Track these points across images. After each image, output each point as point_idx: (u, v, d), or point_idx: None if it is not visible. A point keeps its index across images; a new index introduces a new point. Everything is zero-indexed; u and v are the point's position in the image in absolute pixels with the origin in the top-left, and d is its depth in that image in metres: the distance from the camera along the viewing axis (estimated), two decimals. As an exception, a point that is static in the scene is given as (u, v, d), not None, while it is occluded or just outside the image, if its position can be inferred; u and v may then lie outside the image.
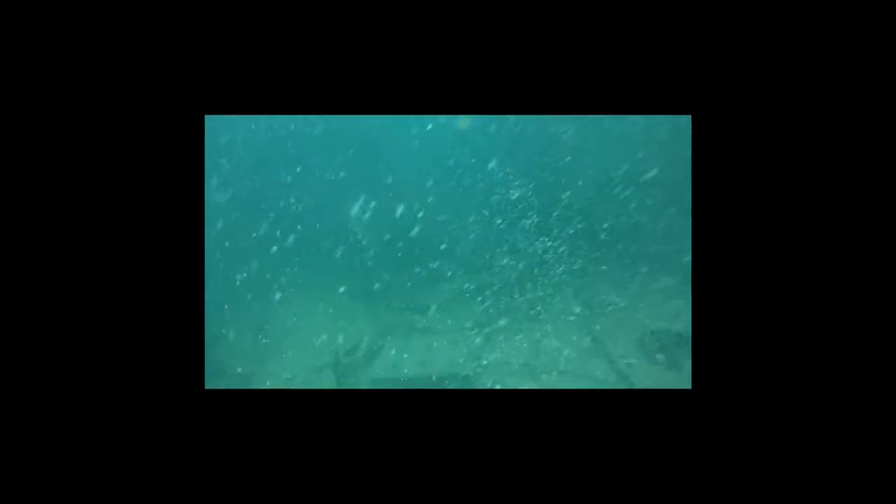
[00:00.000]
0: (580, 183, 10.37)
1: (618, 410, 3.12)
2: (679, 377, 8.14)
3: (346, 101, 3.16)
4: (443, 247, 10.71)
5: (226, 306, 9.89)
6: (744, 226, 2.98)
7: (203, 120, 3.08)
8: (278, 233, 10.52)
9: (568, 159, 10.33)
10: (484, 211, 10.52)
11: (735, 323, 2.95)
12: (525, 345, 9.22)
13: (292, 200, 10.90)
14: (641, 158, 10.12)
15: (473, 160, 10.52)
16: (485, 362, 8.90)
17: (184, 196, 2.92)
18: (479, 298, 10.31)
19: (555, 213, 10.08)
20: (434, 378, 8.65)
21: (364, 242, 10.99)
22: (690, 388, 3.09)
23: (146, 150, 2.90)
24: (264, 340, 10.00)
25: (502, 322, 9.75)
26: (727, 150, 3.00)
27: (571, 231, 9.95)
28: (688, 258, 9.01)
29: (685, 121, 8.91)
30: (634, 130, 9.98)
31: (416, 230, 10.69)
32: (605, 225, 10.34)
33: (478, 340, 9.45)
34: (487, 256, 10.43)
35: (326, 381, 9.17)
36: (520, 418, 3.18)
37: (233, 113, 3.17)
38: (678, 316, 9.03)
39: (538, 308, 9.81)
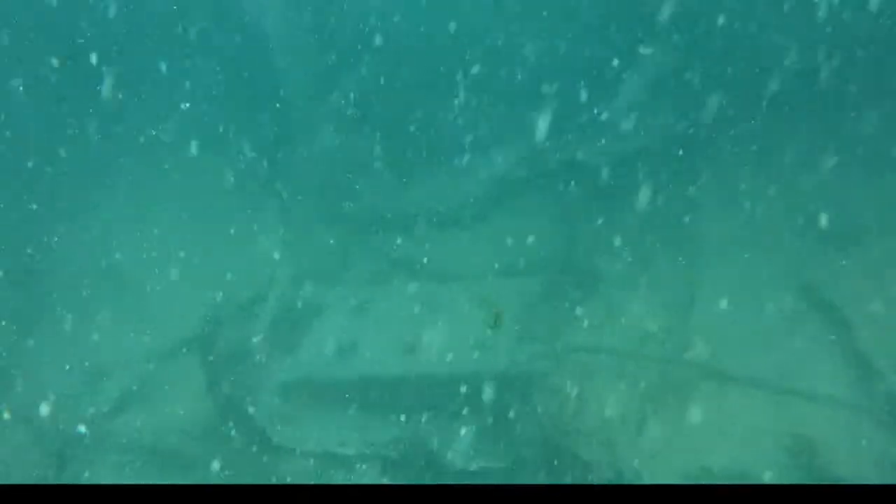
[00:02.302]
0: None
1: None
2: None
3: None
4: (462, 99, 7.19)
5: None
6: None
7: None
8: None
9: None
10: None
11: None
12: (653, 314, 5.63)
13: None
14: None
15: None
16: (557, 348, 5.53)
17: None
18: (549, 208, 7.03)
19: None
20: (439, 376, 5.46)
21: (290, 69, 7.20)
22: None
23: None
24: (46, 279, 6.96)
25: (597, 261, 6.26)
26: None
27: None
28: None
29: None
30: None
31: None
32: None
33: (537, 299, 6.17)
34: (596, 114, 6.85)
35: (182, 384, 5.76)
36: None
37: None
38: None
39: (692, 229, 6.11)
